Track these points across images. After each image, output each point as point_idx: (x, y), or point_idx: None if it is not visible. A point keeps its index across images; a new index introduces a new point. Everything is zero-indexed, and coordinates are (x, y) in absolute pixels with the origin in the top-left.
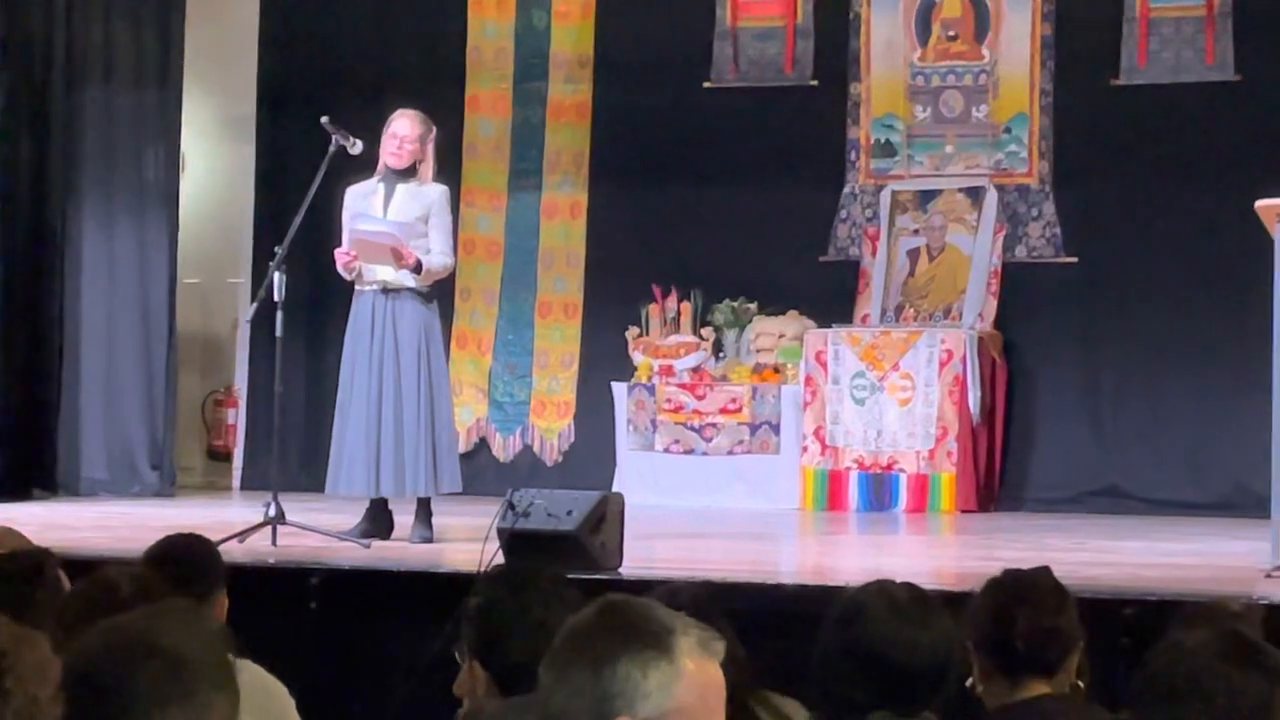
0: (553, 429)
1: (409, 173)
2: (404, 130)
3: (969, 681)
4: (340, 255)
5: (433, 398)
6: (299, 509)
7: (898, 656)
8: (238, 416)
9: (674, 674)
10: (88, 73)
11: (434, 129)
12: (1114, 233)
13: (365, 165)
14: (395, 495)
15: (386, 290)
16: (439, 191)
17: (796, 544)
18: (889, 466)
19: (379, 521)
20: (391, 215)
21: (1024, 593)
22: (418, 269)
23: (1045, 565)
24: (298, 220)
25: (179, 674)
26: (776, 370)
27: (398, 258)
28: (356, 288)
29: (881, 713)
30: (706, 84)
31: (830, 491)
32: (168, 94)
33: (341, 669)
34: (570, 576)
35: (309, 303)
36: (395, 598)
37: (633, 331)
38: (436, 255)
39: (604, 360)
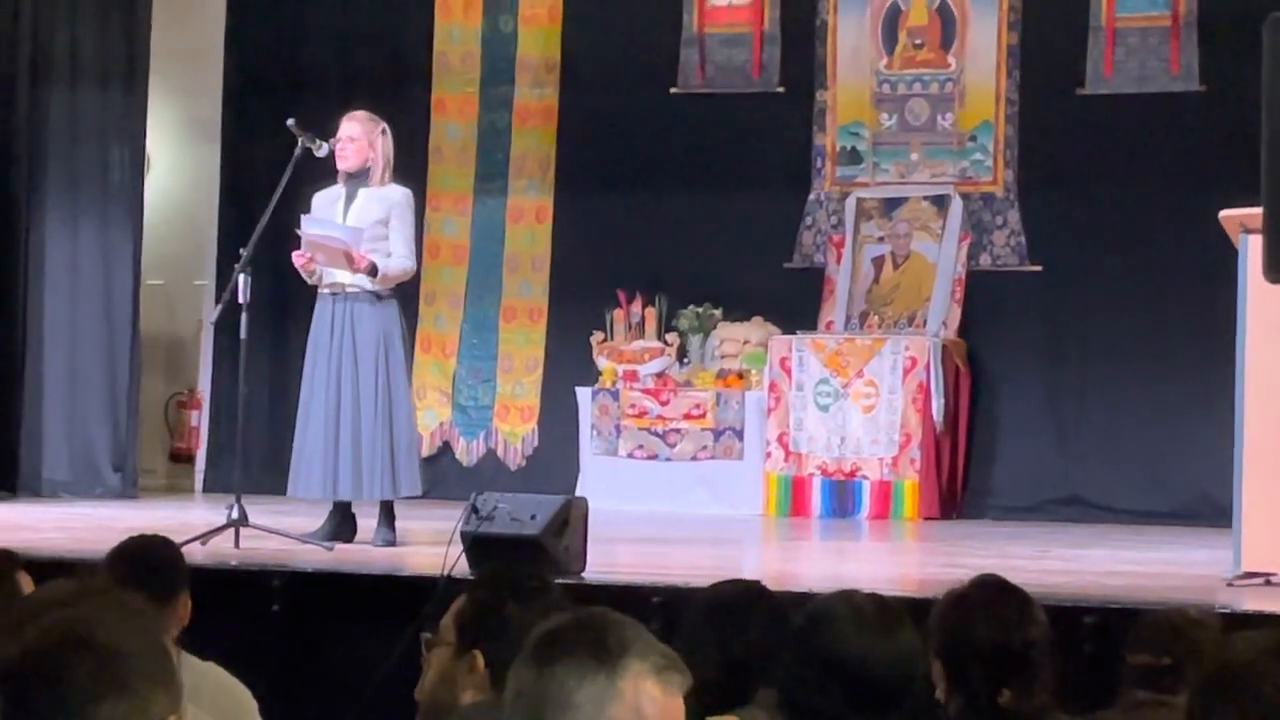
0: (516, 433)
1: (367, 176)
2: (347, 132)
3: (938, 692)
4: (297, 258)
5: (391, 401)
6: (262, 511)
7: (862, 666)
8: (201, 419)
9: (611, 693)
10: (53, 73)
11: (381, 125)
12: (1078, 241)
13: (331, 168)
14: (353, 498)
15: (345, 293)
16: (401, 194)
17: (760, 550)
18: (852, 473)
19: (342, 524)
20: (352, 219)
21: (986, 606)
22: (372, 272)
23: (991, 574)
24: (263, 222)
25: (113, 668)
26: (741, 376)
27: (349, 261)
28: (319, 291)
29: None
30: (673, 90)
31: (793, 498)
32: (133, 95)
33: (304, 672)
34: None
35: (273, 305)
36: (358, 601)
37: (597, 336)
38: (396, 259)
39: (568, 365)
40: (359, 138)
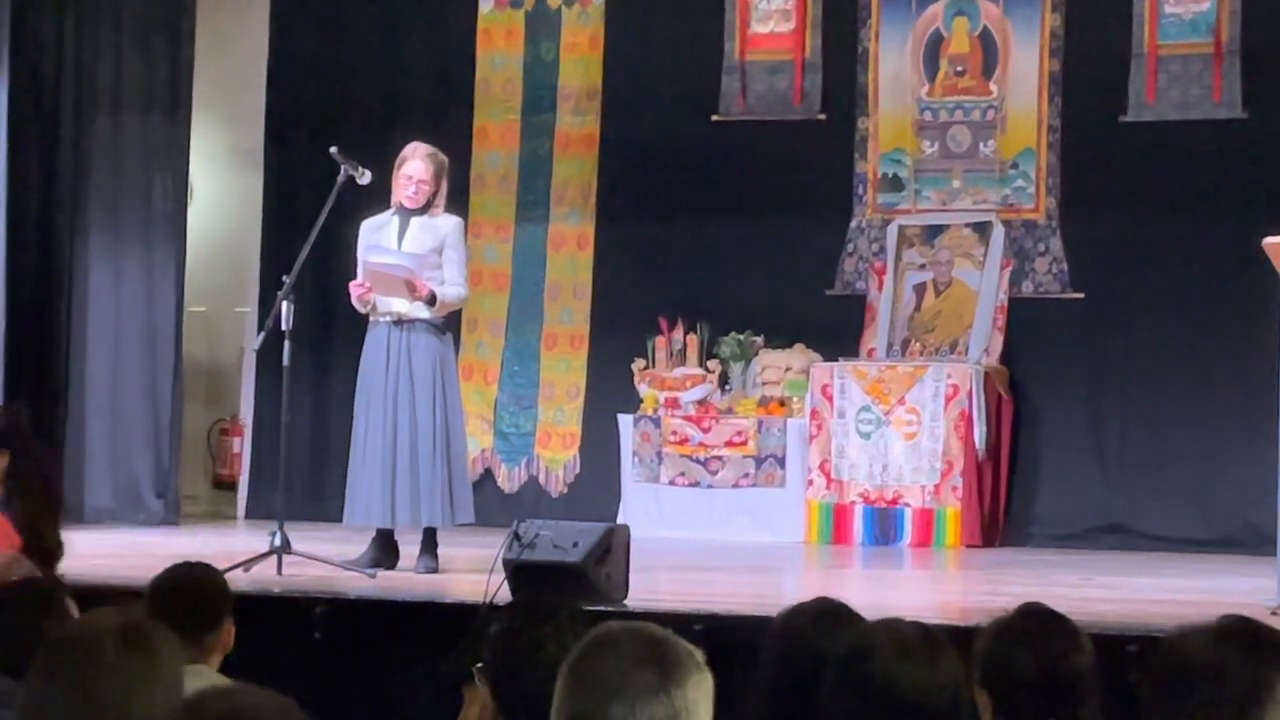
0: (558, 460)
1: (424, 208)
2: (418, 173)
3: None
4: (355, 288)
5: (448, 429)
6: (304, 538)
7: (905, 696)
8: (243, 445)
9: (708, 685)
10: (96, 102)
11: (446, 163)
12: (1120, 269)
13: (374, 196)
14: (412, 526)
15: (400, 322)
16: (453, 223)
17: (801, 577)
18: (894, 501)
19: (385, 551)
20: (405, 248)
21: (1032, 635)
22: (432, 301)
23: (1036, 602)
24: (306, 250)
25: None
26: (782, 403)
27: (411, 290)
28: (370, 320)
29: None
30: (714, 117)
31: (835, 525)
32: (176, 123)
33: (346, 699)
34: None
35: (316, 332)
36: (400, 628)
37: (639, 363)
38: (451, 287)
39: (610, 392)
40: (429, 180)
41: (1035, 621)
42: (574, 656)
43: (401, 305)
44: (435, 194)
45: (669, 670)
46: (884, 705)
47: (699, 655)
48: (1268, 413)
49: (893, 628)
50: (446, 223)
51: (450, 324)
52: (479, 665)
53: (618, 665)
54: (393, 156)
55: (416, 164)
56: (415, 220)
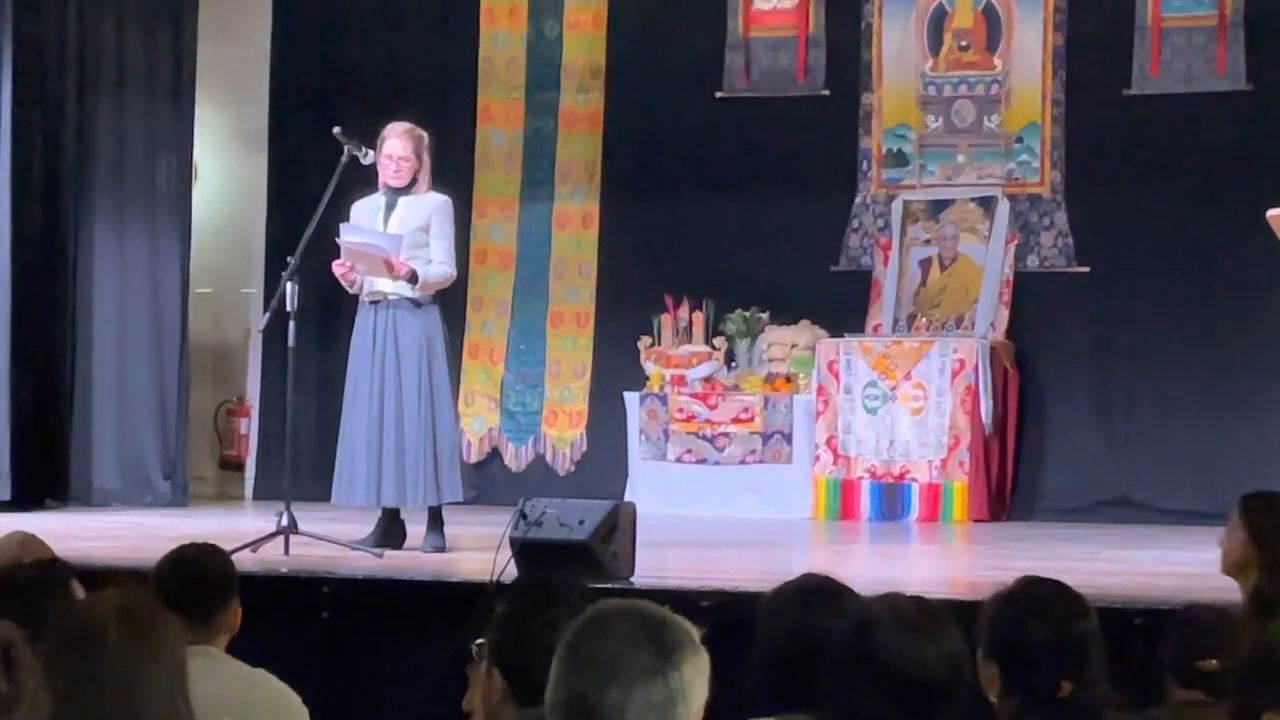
0: (565, 438)
1: (411, 186)
2: (397, 150)
3: (990, 695)
4: (336, 267)
5: (434, 408)
6: (311, 518)
7: (907, 669)
8: (250, 426)
9: (705, 665)
10: (100, 83)
11: (425, 137)
12: (1126, 242)
13: (377, 176)
14: (396, 505)
15: (386, 301)
16: (441, 201)
17: (808, 553)
18: (901, 476)
19: (391, 531)
20: (393, 227)
21: (1038, 602)
22: (413, 279)
23: (1033, 574)
24: (310, 230)
25: None
26: (788, 380)
27: (389, 268)
28: (360, 300)
29: None
30: (718, 94)
31: (842, 501)
32: (180, 105)
33: (354, 678)
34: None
35: (321, 313)
36: (408, 607)
37: (645, 341)
38: (436, 265)
39: (616, 370)
40: (409, 156)
41: (1036, 589)
42: (571, 636)
43: (386, 284)
44: (419, 170)
45: (667, 652)
46: (888, 680)
47: (696, 634)
48: (1274, 384)
49: (893, 603)
50: (435, 200)
51: (445, 301)
52: (479, 642)
53: (615, 646)
54: (378, 142)
55: (394, 142)
56: (403, 199)
